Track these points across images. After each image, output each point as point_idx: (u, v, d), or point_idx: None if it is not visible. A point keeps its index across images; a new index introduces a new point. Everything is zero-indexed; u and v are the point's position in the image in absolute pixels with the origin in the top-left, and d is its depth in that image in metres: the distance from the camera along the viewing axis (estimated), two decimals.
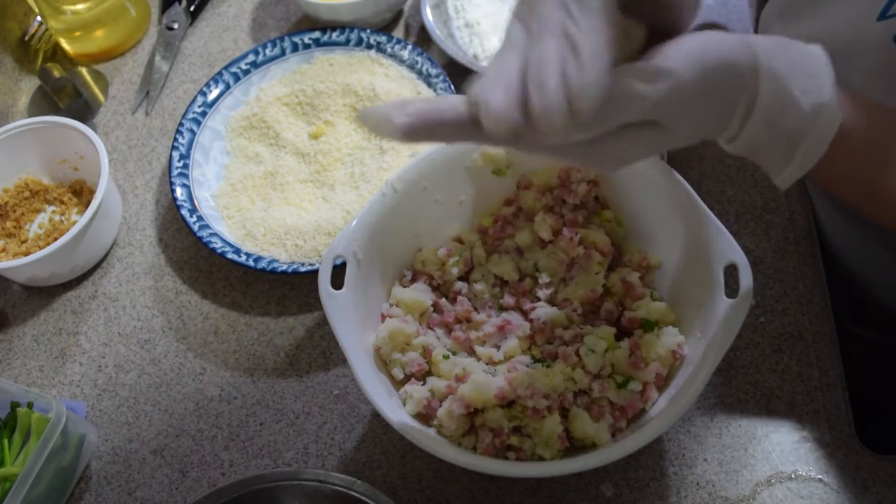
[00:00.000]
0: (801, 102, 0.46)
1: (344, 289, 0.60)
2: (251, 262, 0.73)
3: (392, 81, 0.83)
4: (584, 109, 0.40)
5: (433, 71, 0.82)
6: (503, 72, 0.42)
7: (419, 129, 0.43)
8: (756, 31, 0.81)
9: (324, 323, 0.73)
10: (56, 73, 0.89)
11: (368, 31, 0.86)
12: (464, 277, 0.67)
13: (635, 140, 0.45)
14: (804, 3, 0.69)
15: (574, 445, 0.58)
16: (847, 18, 0.64)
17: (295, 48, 0.86)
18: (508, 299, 0.65)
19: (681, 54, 0.44)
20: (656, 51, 0.45)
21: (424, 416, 0.59)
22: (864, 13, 0.61)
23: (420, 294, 0.64)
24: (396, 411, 0.57)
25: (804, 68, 0.47)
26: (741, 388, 0.66)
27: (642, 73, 0.43)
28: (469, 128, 0.43)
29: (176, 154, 0.80)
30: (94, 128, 0.88)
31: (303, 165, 0.80)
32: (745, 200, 0.75)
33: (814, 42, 0.68)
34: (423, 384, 0.61)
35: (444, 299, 0.66)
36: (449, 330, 0.65)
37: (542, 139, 0.43)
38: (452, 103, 0.43)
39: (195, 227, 0.75)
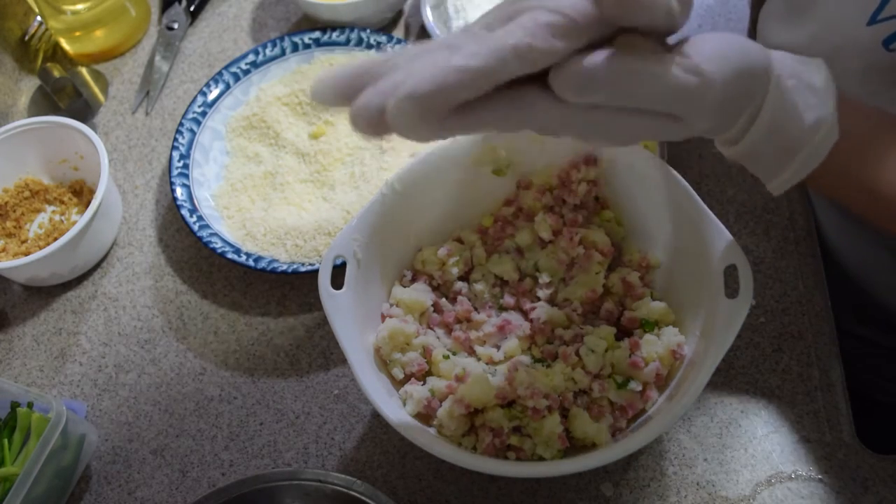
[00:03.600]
0: (804, 116, 0.47)
1: (344, 289, 0.60)
2: (251, 262, 0.73)
3: None
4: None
5: None
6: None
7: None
8: (754, 32, 0.82)
9: (324, 323, 0.73)
10: (56, 73, 0.89)
11: (368, 31, 0.86)
12: (464, 277, 0.67)
13: (650, 126, 0.44)
14: (798, 7, 0.69)
15: (574, 445, 0.58)
16: (838, 23, 0.64)
17: (295, 48, 0.86)
18: (508, 299, 0.65)
19: (715, 54, 0.43)
20: (687, 44, 0.44)
21: (424, 416, 0.59)
22: (854, 18, 0.62)
23: (420, 294, 0.64)
24: (396, 411, 0.57)
25: (809, 82, 0.47)
26: (741, 388, 0.66)
27: (683, 65, 0.42)
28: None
29: (176, 154, 0.80)
30: (94, 128, 0.88)
31: (303, 165, 0.80)
32: (745, 200, 0.75)
33: (807, 46, 0.68)
34: (423, 384, 0.61)
35: (444, 299, 0.66)
36: (449, 330, 0.65)
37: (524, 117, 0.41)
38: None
39: (195, 227, 0.75)
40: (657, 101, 0.42)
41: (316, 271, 0.62)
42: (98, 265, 0.80)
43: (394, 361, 0.62)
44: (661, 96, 0.42)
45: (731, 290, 0.56)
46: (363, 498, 0.59)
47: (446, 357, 0.62)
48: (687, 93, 0.42)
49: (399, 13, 0.92)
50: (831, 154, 0.48)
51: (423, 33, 0.88)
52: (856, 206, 0.54)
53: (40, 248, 0.77)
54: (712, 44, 0.44)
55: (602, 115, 0.42)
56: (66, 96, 0.88)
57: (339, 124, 0.82)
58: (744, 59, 0.44)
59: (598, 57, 0.39)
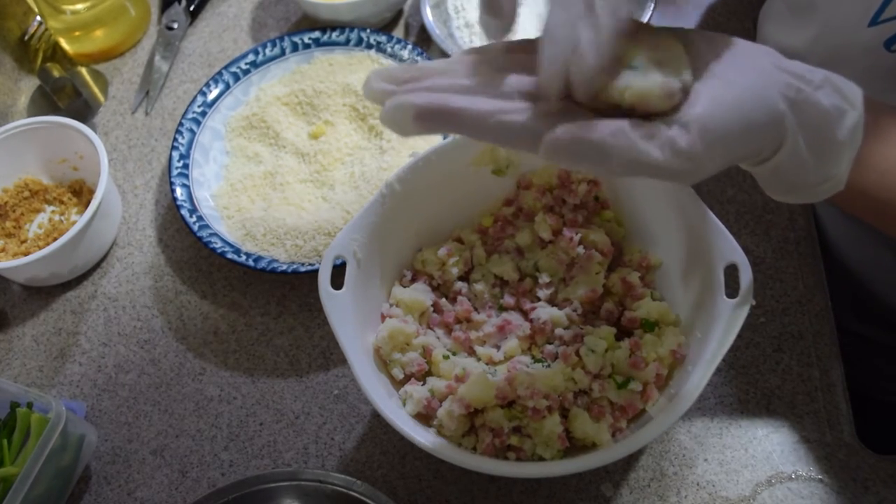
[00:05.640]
0: (812, 173, 0.45)
1: (344, 289, 0.60)
2: (251, 262, 0.73)
3: None
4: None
5: None
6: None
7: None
8: (754, 30, 0.82)
9: (324, 323, 0.73)
10: (56, 73, 0.89)
11: (368, 30, 0.86)
12: (464, 277, 0.67)
13: (646, 176, 0.43)
14: (799, 8, 0.69)
15: (574, 445, 0.57)
16: (839, 24, 0.64)
17: (295, 48, 0.86)
18: (508, 299, 0.65)
19: (713, 122, 0.41)
20: (684, 107, 0.41)
21: (424, 416, 0.59)
22: (855, 19, 0.62)
23: (420, 294, 0.64)
24: (396, 411, 0.57)
25: (829, 134, 0.44)
26: (741, 388, 0.66)
27: (671, 145, 0.40)
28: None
29: (176, 154, 0.80)
30: (93, 128, 0.88)
31: (303, 165, 0.80)
32: (746, 200, 0.75)
33: (808, 48, 0.68)
34: (423, 384, 0.61)
35: (444, 299, 0.66)
36: (449, 330, 0.65)
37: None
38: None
39: (195, 227, 0.75)
40: (643, 174, 0.41)
41: (316, 271, 0.62)
42: (98, 265, 0.80)
43: (394, 361, 0.62)
44: (647, 173, 0.41)
45: (732, 290, 0.56)
46: (363, 498, 0.59)
47: (446, 357, 0.62)
48: (673, 174, 0.41)
49: (399, 13, 0.92)
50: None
51: (423, 33, 0.88)
52: (865, 217, 0.52)
53: (40, 248, 0.77)
54: (711, 108, 0.41)
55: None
56: (66, 96, 0.88)
57: (339, 124, 0.82)
58: (747, 123, 0.41)
59: (570, 131, 0.39)
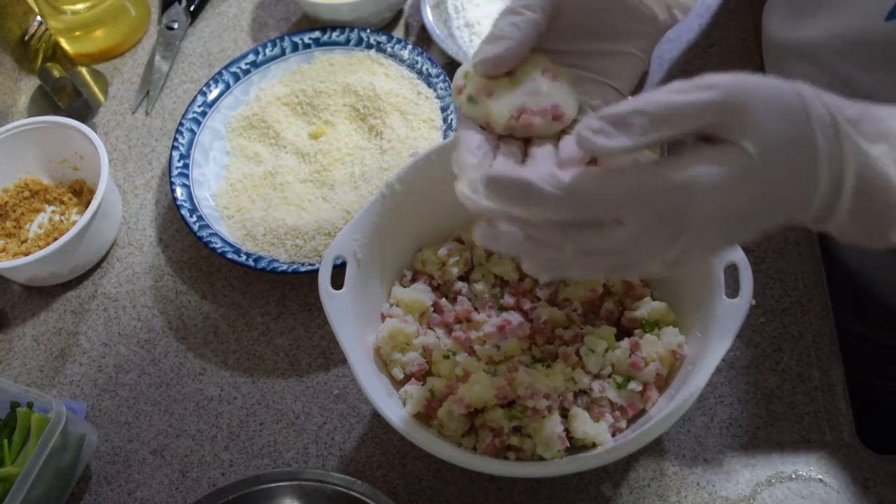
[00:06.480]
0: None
1: (344, 289, 0.60)
2: (251, 262, 0.73)
3: (392, 81, 0.83)
4: None
5: (433, 71, 0.82)
6: None
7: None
8: (758, 32, 0.81)
9: (324, 323, 0.73)
10: (56, 73, 0.89)
11: (368, 30, 0.86)
12: (464, 277, 0.67)
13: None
14: (806, 2, 0.69)
15: (574, 445, 0.57)
16: (854, 19, 0.63)
17: (295, 48, 0.86)
18: (508, 299, 0.65)
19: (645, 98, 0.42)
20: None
21: (424, 416, 0.59)
22: (871, 14, 0.61)
23: (420, 294, 0.64)
24: (396, 411, 0.57)
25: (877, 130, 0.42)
26: (741, 388, 0.66)
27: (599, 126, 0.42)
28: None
29: (176, 154, 0.80)
30: (93, 128, 0.88)
31: (303, 165, 0.80)
32: None
33: (822, 42, 0.67)
34: (423, 384, 0.61)
35: (444, 299, 0.66)
36: (449, 330, 0.65)
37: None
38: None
39: (195, 227, 0.75)
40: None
41: (316, 271, 0.62)
42: (98, 265, 0.80)
43: (394, 361, 0.62)
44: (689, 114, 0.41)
45: (731, 289, 0.56)
46: (363, 498, 0.59)
47: (446, 357, 0.62)
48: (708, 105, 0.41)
49: (399, 13, 0.92)
50: None
51: (424, 33, 0.88)
52: None
53: (40, 248, 0.77)
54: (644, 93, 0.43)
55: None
56: (66, 96, 0.88)
57: (339, 124, 0.82)
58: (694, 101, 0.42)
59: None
